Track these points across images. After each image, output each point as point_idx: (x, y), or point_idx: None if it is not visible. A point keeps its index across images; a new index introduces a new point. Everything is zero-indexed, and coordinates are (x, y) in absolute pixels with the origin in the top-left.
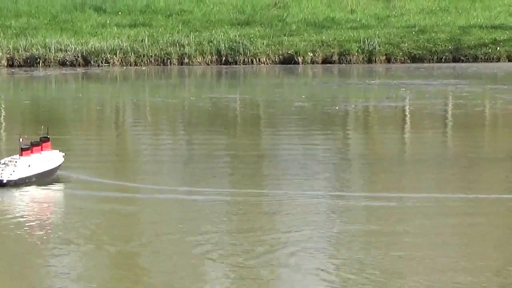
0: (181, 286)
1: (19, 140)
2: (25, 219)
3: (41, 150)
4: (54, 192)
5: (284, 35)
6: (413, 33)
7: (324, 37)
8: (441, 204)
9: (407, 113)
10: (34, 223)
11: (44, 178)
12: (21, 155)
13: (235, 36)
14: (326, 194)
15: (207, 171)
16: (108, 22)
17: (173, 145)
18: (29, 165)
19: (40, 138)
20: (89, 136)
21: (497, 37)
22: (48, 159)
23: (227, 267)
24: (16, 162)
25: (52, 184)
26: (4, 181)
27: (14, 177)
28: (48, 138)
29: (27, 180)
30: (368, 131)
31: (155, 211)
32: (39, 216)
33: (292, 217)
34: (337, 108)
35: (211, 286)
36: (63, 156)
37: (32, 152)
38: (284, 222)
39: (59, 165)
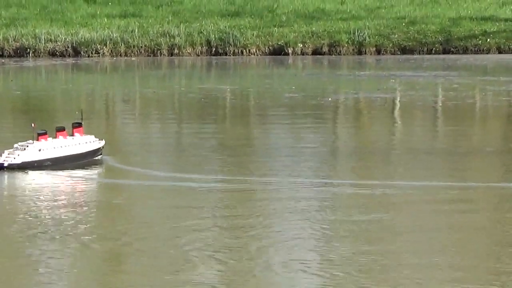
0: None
1: (31, 125)
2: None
3: (72, 134)
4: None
5: (274, 26)
6: (403, 24)
7: (314, 28)
8: (430, 191)
9: (398, 105)
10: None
11: (67, 162)
12: (37, 140)
13: (225, 27)
14: (316, 181)
15: (199, 159)
16: (98, 12)
17: (164, 134)
18: (39, 150)
19: (72, 123)
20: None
21: (487, 29)
22: (74, 143)
23: (218, 249)
24: (27, 146)
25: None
26: (5, 165)
27: (17, 161)
28: (81, 123)
29: (36, 164)
30: (359, 122)
31: (148, 196)
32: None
33: (280, 204)
34: (330, 99)
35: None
36: (100, 141)
37: (57, 137)
38: (273, 209)
39: (94, 150)
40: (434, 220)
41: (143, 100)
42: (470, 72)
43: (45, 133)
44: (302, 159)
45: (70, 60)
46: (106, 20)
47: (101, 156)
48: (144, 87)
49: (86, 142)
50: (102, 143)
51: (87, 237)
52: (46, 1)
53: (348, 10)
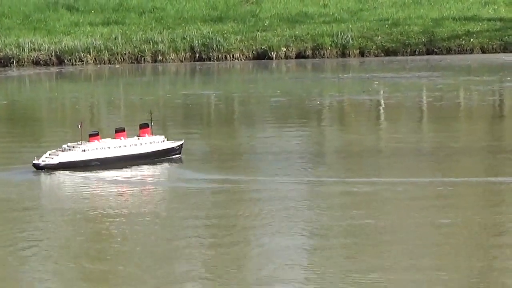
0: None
1: (78, 126)
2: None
3: (139, 135)
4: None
5: (257, 30)
6: (386, 26)
7: (297, 32)
8: (415, 188)
9: (383, 106)
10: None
11: (119, 162)
12: (88, 141)
13: (208, 32)
14: (304, 180)
15: (195, 161)
16: (81, 20)
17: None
18: (83, 150)
19: (140, 124)
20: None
21: (470, 29)
22: (130, 144)
23: (209, 244)
24: (72, 147)
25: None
26: (41, 165)
27: (55, 161)
28: (147, 124)
29: (78, 164)
30: (346, 124)
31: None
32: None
33: (270, 202)
34: (318, 102)
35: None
36: (173, 142)
37: (116, 138)
38: (262, 207)
39: (160, 150)
40: (419, 216)
41: (129, 106)
42: (454, 72)
43: (96, 134)
44: (293, 161)
45: (54, 69)
46: (89, 28)
47: (179, 155)
48: (129, 94)
49: (146, 143)
50: (172, 143)
51: None
52: (29, 10)
53: (331, 13)
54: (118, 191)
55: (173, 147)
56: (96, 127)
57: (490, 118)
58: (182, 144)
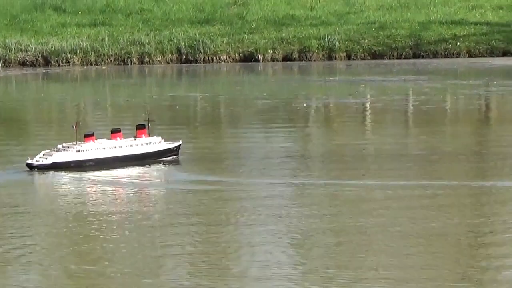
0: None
1: (72, 127)
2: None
3: (136, 136)
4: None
5: (244, 33)
6: (373, 29)
7: (284, 35)
8: (402, 190)
9: (370, 109)
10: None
11: (114, 163)
12: (84, 141)
13: (195, 34)
14: (288, 182)
15: (182, 162)
16: (68, 21)
17: None
18: (77, 151)
19: (136, 125)
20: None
21: (457, 33)
22: (126, 144)
23: (191, 239)
24: (67, 147)
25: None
26: (35, 165)
27: (48, 161)
28: (144, 125)
29: (72, 165)
30: (333, 127)
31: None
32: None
33: (256, 204)
34: (304, 105)
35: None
36: (169, 143)
37: (112, 138)
38: (247, 208)
39: (156, 151)
40: (404, 217)
41: (115, 108)
42: (441, 76)
43: (92, 135)
44: (279, 162)
45: (40, 70)
46: (76, 29)
47: (176, 156)
48: (116, 96)
49: (142, 144)
50: (167, 144)
51: None
52: (16, 11)
53: (318, 16)
54: (104, 191)
55: (170, 148)
56: (83, 128)
57: (476, 122)
58: (180, 145)
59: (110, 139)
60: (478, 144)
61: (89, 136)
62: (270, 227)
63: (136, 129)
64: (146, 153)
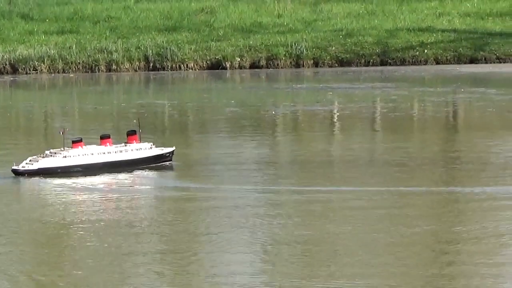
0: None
1: (60, 133)
2: None
3: (127, 142)
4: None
5: (212, 40)
6: (341, 37)
7: (251, 42)
8: (371, 197)
9: (337, 117)
10: None
11: (103, 169)
12: (72, 147)
13: (163, 42)
14: (258, 190)
15: (153, 170)
16: (35, 29)
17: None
18: (64, 157)
19: (127, 131)
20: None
21: (424, 40)
22: (115, 151)
23: (159, 240)
24: (54, 154)
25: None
26: (20, 170)
27: (34, 167)
28: (135, 131)
29: (59, 171)
30: (301, 134)
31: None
32: None
33: (225, 211)
34: (273, 112)
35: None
36: (156, 148)
37: (102, 144)
38: (216, 215)
39: (147, 157)
40: (372, 224)
41: (83, 115)
42: (408, 83)
43: (79, 141)
44: (245, 169)
45: (8, 77)
46: (43, 36)
47: (169, 163)
48: (84, 103)
49: (132, 150)
50: (161, 150)
51: None
52: None
53: (285, 23)
54: (89, 198)
55: (162, 154)
56: (51, 136)
57: (444, 129)
58: (173, 151)
59: (100, 145)
60: (447, 151)
61: (77, 142)
62: (239, 235)
63: (127, 135)
64: (136, 159)
